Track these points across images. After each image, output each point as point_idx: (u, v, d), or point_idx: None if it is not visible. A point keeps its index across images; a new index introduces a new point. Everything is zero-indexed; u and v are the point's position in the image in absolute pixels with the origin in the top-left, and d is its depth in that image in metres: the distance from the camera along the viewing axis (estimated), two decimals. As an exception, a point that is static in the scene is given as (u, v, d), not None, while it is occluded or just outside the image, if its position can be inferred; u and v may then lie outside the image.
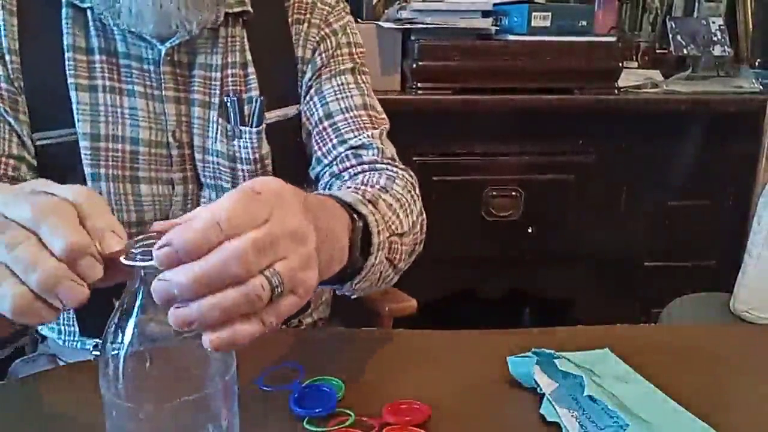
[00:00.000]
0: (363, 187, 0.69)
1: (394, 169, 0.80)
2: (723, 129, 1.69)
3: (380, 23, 1.66)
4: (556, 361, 0.61)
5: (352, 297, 0.68)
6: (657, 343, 0.73)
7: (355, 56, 0.87)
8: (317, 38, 0.84)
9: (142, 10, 0.71)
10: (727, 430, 0.56)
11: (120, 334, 0.41)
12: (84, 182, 0.75)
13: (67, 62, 0.74)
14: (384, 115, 0.87)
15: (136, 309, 0.41)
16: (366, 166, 0.80)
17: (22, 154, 0.75)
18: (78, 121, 0.74)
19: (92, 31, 0.75)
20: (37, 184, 0.43)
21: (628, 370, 0.65)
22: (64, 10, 0.75)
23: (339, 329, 0.96)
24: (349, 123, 0.82)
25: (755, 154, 1.44)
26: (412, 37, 1.64)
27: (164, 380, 0.41)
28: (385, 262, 0.65)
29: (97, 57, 0.75)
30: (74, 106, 0.74)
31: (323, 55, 0.84)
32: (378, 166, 0.80)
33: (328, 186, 0.82)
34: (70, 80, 0.74)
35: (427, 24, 1.62)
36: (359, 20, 1.76)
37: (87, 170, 0.75)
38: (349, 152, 0.81)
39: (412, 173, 0.82)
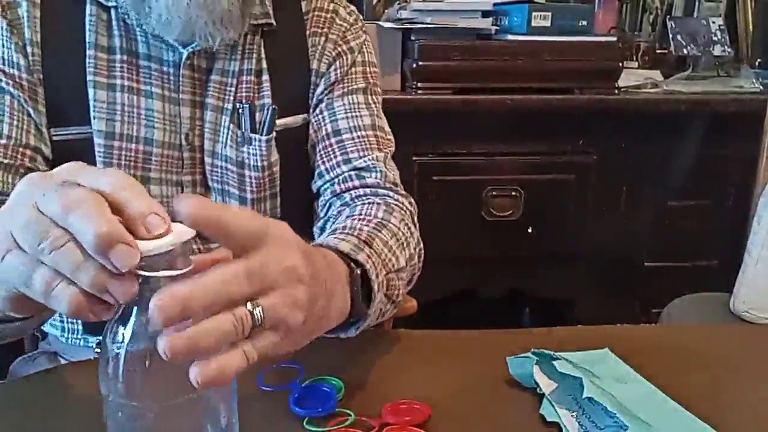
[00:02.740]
0: (360, 224, 0.69)
1: (395, 196, 0.80)
2: (723, 129, 1.69)
3: (380, 23, 1.66)
4: (555, 362, 0.61)
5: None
6: (657, 343, 0.73)
7: (369, 76, 0.87)
8: (333, 54, 0.84)
9: (172, 18, 0.71)
10: (727, 431, 0.56)
11: (120, 333, 0.41)
12: None
13: (87, 59, 0.74)
14: (391, 137, 0.87)
15: (136, 308, 0.41)
16: (368, 190, 0.80)
17: (39, 146, 0.75)
18: (94, 118, 0.75)
19: (115, 31, 0.76)
20: (69, 171, 0.42)
21: (628, 370, 0.65)
22: (88, 8, 0.75)
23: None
24: (355, 143, 0.82)
25: (755, 154, 1.44)
26: (412, 37, 1.65)
27: (164, 379, 0.42)
28: (384, 300, 0.65)
29: (117, 56, 0.76)
30: (91, 104, 0.75)
31: (338, 71, 0.84)
32: (380, 191, 0.80)
33: (328, 204, 0.82)
34: (89, 77, 0.74)
35: (427, 24, 1.62)
36: (359, 20, 1.76)
37: (99, 167, 0.75)
38: (352, 173, 0.81)
39: (412, 200, 0.82)
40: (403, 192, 0.83)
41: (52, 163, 0.76)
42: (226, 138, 0.79)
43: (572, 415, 0.57)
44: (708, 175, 1.72)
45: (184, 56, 0.76)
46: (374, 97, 0.87)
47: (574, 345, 0.67)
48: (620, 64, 1.71)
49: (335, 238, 0.63)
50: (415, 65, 1.61)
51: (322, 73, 0.84)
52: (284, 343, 0.43)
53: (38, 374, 0.67)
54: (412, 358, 0.69)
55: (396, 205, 0.78)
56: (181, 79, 0.77)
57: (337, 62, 0.84)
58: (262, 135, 0.79)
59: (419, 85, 1.62)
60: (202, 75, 0.78)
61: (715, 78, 1.88)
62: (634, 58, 1.99)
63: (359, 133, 0.83)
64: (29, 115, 0.74)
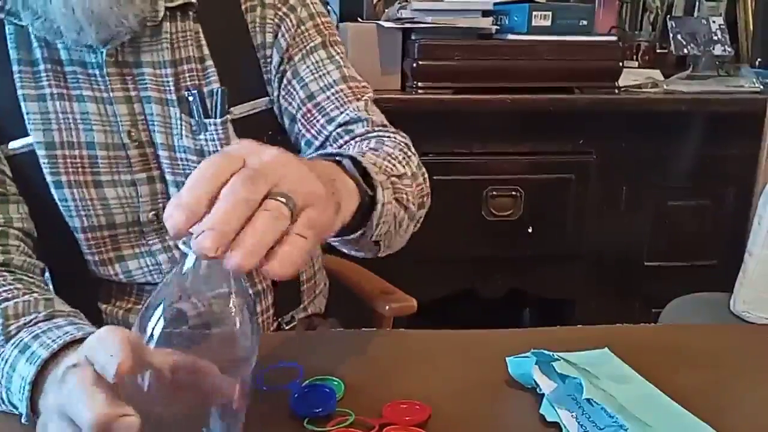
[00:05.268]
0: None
1: (386, 134, 0.79)
2: (723, 129, 1.69)
3: (380, 23, 1.66)
4: (554, 363, 0.61)
5: (379, 254, 0.67)
6: (657, 343, 0.73)
7: (322, 27, 0.84)
8: (275, 20, 0.82)
9: (80, 21, 0.70)
10: (727, 431, 0.56)
11: (150, 330, 0.42)
12: (48, 191, 0.75)
13: (14, 75, 0.74)
14: (365, 83, 0.85)
15: (162, 308, 0.41)
16: (359, 138, 0.79)
17: (2, 168, 0.75)
18: (31, 131, 0.75)
19: (35, 43, 0.75)
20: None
21: (628, 370, 0.65)
22: (6, 28, 0.75)
23: (339, 329, 0.96)
24: (332, 100, 0.81)
25: (755, 154, 1.44)
26: (413, 37, 1.64)
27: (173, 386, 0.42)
28: (394, 203, 0.64)
29: (42, 66, 0.75)
30: (25, 117, 0.74)
31: (286, 35, 0.82)
32: (370, 135, 0.79)
33: None
34: (19, 92, 0.74)
35: (428, 23, 1.62)
36: (359, 20, 1.76)
37: (49, 178, 0.75)
38: (339, 130, 0.80)
39: (404, 134, 0.81)
40: (393, 129, 0.82)
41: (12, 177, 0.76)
42: (180, 129, 0.78)
43: (572, 416, 0.57)
44: (708, 175, 1.72)
45: (104, 54, 0.75)
46: (335, 48, 0.85)
47: (574, 345, 0.67)
48: (620, 64, 1.70)
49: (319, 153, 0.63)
50: (415, 65, 1.61)
51: (271, 43, 0.82)
52: (325, 212, 0.43)
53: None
54: (412, 358, 0.69)
55: (386, 138, 0.77)
56: (107, 78, 0.76)
57: (283, 27, 0.82)
58: (216, 118, 0.78)
59: (419, 84, 1.62)
60: (131, 69, 0.77)
61: (715, 78, 1.88)
62: (635, 58, 1.99)
63: (332, 90, 0.82)
64: None
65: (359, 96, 0.82)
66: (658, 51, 2.01)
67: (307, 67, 0.82)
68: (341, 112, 0.81)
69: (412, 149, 0.79)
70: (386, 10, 1.80)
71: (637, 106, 1.68)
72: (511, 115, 1.63)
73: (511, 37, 1.66)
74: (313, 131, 0.82)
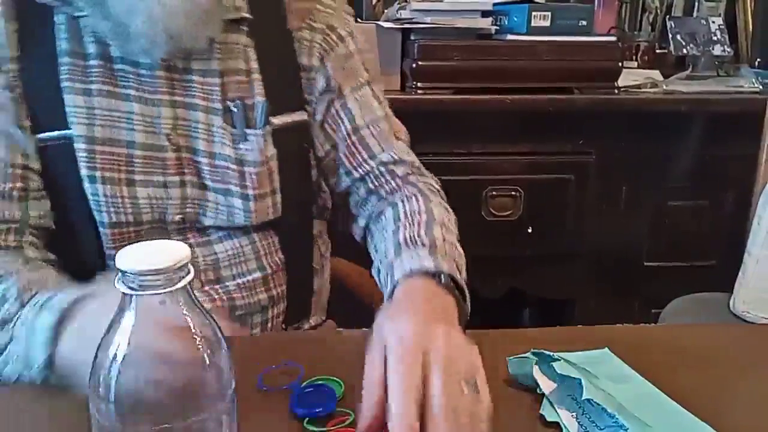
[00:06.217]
0: (413, 230, 0.75)
1: (423, 180, 0.87)
2: (723, 129, 1.69)
3: (380, 23, 1.66)
4: (554, 363, 0.61)
5: None
6: (657, 343, 0.73)
7: (366, 65, 0.89)
8: (324, 45, 0.84)
9: (155, 40, 0.72)
10: (727, 431, 0.56)
11: (113, 352, 0.40)
12: (79, 184, 0.76)
13: (61, 66, 0.75)
14: (399, 122, 0.90)
15: (132, 325, 0.40)
16: (399, 181, 0.86)
17: (27, 163, 0.75)
18: (73, 123, 0.75)
19: (86, 37, 0.75)
20: None
21: (628, 370, 0.65)
22: (56, 17, 0.75)
23: (339, 329, 0.96)
24: (375, 137, 0.86)
25: (755, 154, 1.44)
26: (412, 37, 1.64)
27: (158, 402, 0.41)
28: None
29: (93, 62, 0.75)
30: (68, 109, 0.75)
31: (334, 63, 0.85)
32: (410, 178, 0.86)
33: (363, 202, 0.88)
34: (63, 84, 0.74)
35: (427, 24, 1.62)
36: (359, 20, 1.76)
37: (83, 172, 0.75)
38: (381, 168, 0.86)
39: (435, 178, 0.90)
40: (427, 172, 0.90)
41: (40, 171, 0.76)
42: (222, 137, 0.79)
43: (572, 415, 0.57)
44: (708, 175, 1.72)
45: (159, 58, 0.75)
46: (377, 85, 0.89)
47: (574, 345, 0.67)
48: (620, 64, 1.70)
49: (410, 258, 0.70)
50: (414, 65, 1.61)
51: (317, 66, 0.84)
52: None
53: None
54: (412, 358, 0.68)
55: (429, 190, 0.85)
56: (157, 80, 0.77)
57: (331, 54, 0.85)
58: (257, 129, 0.80)
59: (419, 85, 1.62)
60: (180, 75, 0.78)
61: (715, 78, 1.88)
62: (634, 58, 1.99)
63: (377, 127, 0.87)
64: (13, 138, 0.74)
65: (398, 135, 0.88)
66: (657, 51, 2.01)
67: (357, 101, 0.86)
68: (383, 150, 0.86)
69: (443, 193, 0.87)
70: (385, 11, 1.80)
71: (637, 107, 1.68)
72: (510, 115, 1.63)
73: (510, 37, 1.66)
74: (354, 162, 0.86)
